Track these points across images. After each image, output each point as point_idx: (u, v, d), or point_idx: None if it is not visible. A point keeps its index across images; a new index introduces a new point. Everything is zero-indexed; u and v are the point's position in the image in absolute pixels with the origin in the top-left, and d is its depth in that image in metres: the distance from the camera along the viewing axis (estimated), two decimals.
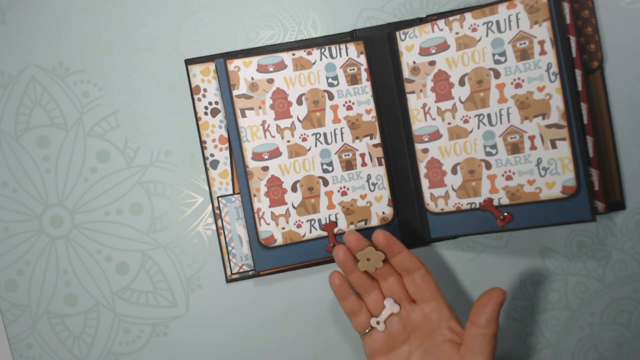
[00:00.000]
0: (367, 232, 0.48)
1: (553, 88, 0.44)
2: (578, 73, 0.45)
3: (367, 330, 0.43)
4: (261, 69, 0.48)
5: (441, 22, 0.47)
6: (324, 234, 0.48)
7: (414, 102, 0.48)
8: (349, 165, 0.48)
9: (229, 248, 0.49)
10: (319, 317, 0.50)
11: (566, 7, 0.44)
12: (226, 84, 0.47)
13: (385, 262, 0.42)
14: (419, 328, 0.42)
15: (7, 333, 0.50)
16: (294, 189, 0.48)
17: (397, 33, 0.48)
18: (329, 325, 0.50)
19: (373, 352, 0.43)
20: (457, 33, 0.46)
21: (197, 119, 0.49)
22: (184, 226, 0.50)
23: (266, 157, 0.48)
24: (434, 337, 0.41)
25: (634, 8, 0.49)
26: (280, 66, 0.48)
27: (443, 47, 0.47)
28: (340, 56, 0.48)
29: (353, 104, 0.48)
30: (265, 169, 0.48)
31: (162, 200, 0.50)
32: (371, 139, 0.48)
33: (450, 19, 0.46)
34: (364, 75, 0.48)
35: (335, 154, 0.48)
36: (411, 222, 0.49)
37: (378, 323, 0.43)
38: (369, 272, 0.43)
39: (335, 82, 0.48)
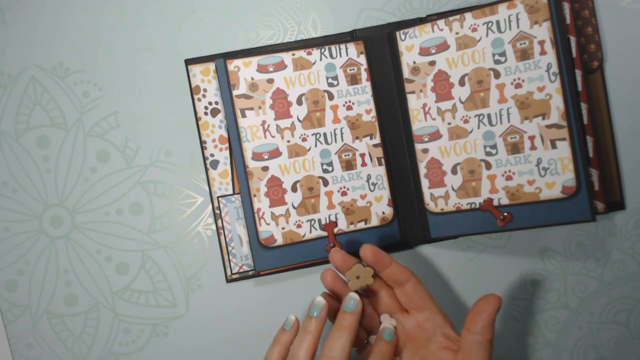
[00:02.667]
0: (366, 232, 0.48)
1: (553, 88, 0.44)
2: (578, 73, 0.45)
3: (364, 343, 0.43)
4: (261, 69, 0.48)
5: (441, 22, 0.47)
6: (324, 234, 0.48)
7: (414, 102, 0.48)
8: (349, 165, 0.48)
9: (229, 248, 0.49)
10: None
11: (566, 7, 0.44)
12: (226, 84, 0.47)
13: (375, 277, 0.42)
14: (414, 337, 0.42)
15: (7, 333, 0.50)
16: (294, 189, 0.48)
17: (397, 33, 0.48)
18: (329, 325, 0.50)
19: None
20: (457, 33, 0.46)
21: (197, 119, 0.49)
22: (184, 226, 0.50)
23: (266, 157, 0.48)
24: (429, 345, 0.41)
25: (634, 8, 0.49)
26: (280, 66, 0.48)
27: (443, 47, 0.47)
28: (340, 56, 0.48)
29: (353, 104, 0.48)
30: (265, 169, 0.48)
31: (162, 200, 0.50)
32: (371, 139, 0.49)
33: (450, 19, 0.46)
34: (364, 75, 0.48)
35: (335, 154, 0.48)
36: (411, 222, 0.49)
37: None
38: (361, 290, 0.42)
39: (335, 82, 0.48)
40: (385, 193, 0.48)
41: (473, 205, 0.47)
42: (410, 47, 0.48)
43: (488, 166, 0.46)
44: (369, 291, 0.43)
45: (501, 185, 0.46)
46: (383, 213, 0.48)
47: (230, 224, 0.49)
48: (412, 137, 0.48)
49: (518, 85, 0.45)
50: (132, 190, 0.50)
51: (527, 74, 0.45)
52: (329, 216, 0.48)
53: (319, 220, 0.48)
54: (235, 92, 0.47)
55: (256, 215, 0.47)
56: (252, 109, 0.47)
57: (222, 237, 0.49)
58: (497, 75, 0.45)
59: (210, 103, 0.49)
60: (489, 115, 0.46)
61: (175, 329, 0.50)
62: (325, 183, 0.48)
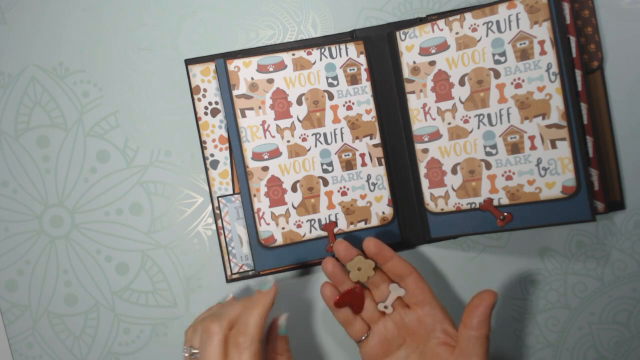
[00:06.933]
0: (366, 232, 0.48)
1: (553, 88, 0.44)
2: (578, 73, 0.45)
3: (363, 338, 0.43)
4: (261, 69, 0.48)
5: (441, 22, 0.47)
6: (324, 234, 0.48)
7: (414, 102, 0.48)
8: (349, 165, 0.48)
9: (229, 248, 0.49)
10: (318, 316, 0.50)
11: (566, 7, 0.44)
12: (226, 84, 0.47)
13: (376, 269, 0.42)
14: (414, 332, 0.42)
15: (7, 333, 0.50)
16: (294, 189, 0.48)
17: (397, 33, 0.48)
18: (329, 324, 0.50)
19: (370, 357, 0.43)
20: (457, 33, 0.46)
21: (197, 119, 0.49)
22: (184, 226, 0.50)
23: (266, 157, 0.48)
24: (428, 340, 0.42)
25: (634, 8, 0.49)
26: (280, 66, 0.48)
27: (443, 47, 0.47)
28: (340, 56, 0.48)
29: (353, 104, 0.48)
30: (265, 169, 0.48)
31: (162, 200, 0.50)
32: (371, 139, 0.49)
33: (450, 19, 0.46)
34: (364, 75, 0.48)
35: (335, 154, 0.48)
36: (411, 222, 0.49)
37: (386, 307, 0.42)
38: (361, 282, 0.43)
39: (335, 82, 0.48)
40: (385, 193, 0.48)
41: (473, 205, 0.47)
42: (410, 47, 0.48)
43: (488, 166, 0.46)
44: (371, 284, 0.43)
45: (501, 185, 0.46)
46: (383, 213, 0.48)
47: (230, 224, 0.49)
48: (412, 137, 0.48)
49: (518, 85, 0.45)
50: (132, 190, 0.50)
51: (527, 74, 0.45)
52: (329, 216, 0.48)
53: (319, 220, 0.48)
54: (235, 92, 0.47)
55: (256, 215, 0.47)
56: (252, 109, 0.47)
57: (222, 237, 0.49)
58: (497, 75, 0.45)
59: (210, 103, 0.49)
60: (489, 115, 0.46)
61: (175, 329, 0.50)
62: (325, 183, 0.48)
